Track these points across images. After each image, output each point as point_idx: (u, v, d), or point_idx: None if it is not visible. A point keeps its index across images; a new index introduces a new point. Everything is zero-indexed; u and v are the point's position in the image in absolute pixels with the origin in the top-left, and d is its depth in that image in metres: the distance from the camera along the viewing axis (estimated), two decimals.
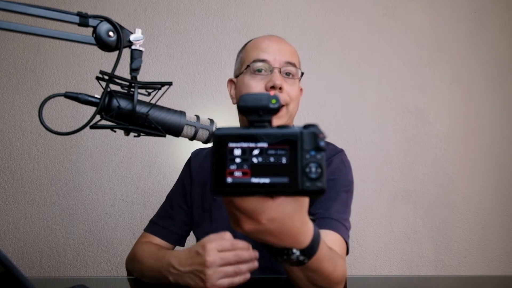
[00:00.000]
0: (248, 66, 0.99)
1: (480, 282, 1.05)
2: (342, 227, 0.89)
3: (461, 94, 1.95)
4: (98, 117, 0.64)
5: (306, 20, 1.93)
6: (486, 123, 1.94)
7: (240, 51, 1.08)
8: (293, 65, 0.99)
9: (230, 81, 1.10)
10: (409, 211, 1.88)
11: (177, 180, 1.15)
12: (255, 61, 0.98)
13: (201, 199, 1.07)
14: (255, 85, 0.97)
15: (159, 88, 0.67)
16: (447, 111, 1.94)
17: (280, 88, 0.95)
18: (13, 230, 1.79)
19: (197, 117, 0.69)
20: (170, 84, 0.66)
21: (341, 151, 1.06)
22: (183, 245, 1.08)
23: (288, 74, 0.99)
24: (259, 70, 0.98)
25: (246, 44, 1.08)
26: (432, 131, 1.93)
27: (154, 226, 1.08)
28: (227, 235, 0.75)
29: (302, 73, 1.03)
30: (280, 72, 0.97)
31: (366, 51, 1.93)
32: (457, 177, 1.91)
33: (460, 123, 1.94)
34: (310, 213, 0.86)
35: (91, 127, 0.63)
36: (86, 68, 1.85)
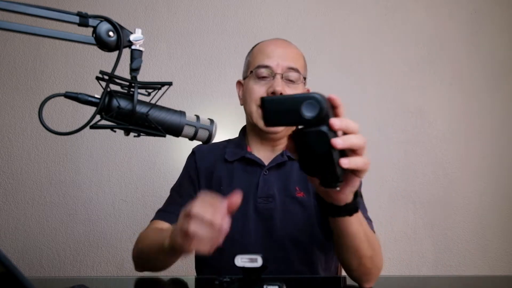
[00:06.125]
0: (252, 71, 1.05)
1: (480, 282, 1.05)
2: (368, 221, 0.95)
3: (461, 94, 1.95)
4: (98, 117, 0.64)
5: (306, 20, 1.93)
6: (486, 123, 1.94)
7: (248, 54, 1.13)
8: (296, 70, 1.04)
9: (239, 82, 1.15)
10: (409, 211, 1.88)
11: (182, 173, 1.16)
12: (258, 66, 1.03)
13: (207, 188, 1.08)
14: (258, 90, 1.03)
15: (159, 88, 0.67)
16: (447, 111, 1.94)
17: (281, 94, 1.00)
18: (13, 230, 1.79)
19: (197, 117, 0.69)
20: (170, 84, 0.66)
21: None
22: None
23: (291, 80, 1.04)
24: (263, 76, 1.03)
25: (253, 48, 1.12)
26: (432, 131, 1.93)
27: (164, 213, 1.07)
28: (214, 200, 0.70)
29: (305, 78, 1.07)
30: (282, 77, 1.02)
31: (366, 51, 1.93)
32: (457, 177, 1.91)
33: (460, 123, 1.94)
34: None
35: (91, 127, 0.63)
36: (86, 68, 1.85)
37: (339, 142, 0.56)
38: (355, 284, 0.87)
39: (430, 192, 1.90)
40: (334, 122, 0.57)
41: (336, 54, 1.92)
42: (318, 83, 1.88)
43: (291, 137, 0.60)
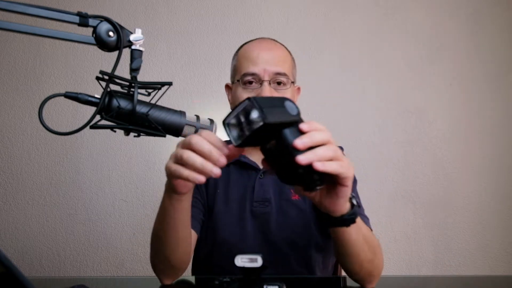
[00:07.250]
0: (239, 80, 1.03)
1: (480, 282, 1.05)
2: (364, 219, 0.97)
3: (461, 94, 1.95)
4: (98, 117, 0.64)
5: (306, 20, 1.93)
6: (486, 123, 1.94)
7: (234, 57, 1.11)
8: (283, 74, 1.02)
9: (227, 86, 1.14)
10: (409, 211, 1.88)
11: None
12: (245, 74, 1.02)
13: (204, 192, 1.07)
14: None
15: (159, 88, 0.67)
16: (447, 111, 1.94)
17: None
18: (13, 230, 1.79)
19: (197, 117, 0.69)
20: (170, 84, 0.66)
21: (341, 148, 1.10)
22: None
23: (279, 83, 1.02)
24: (250, 82, 1.02)
25: (239, 50, 1.10)
26: (432, 131, 1.93)
27: None
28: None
29: (293, 82, 1.06)
30: (270, 83, 1.01)
31: (366, 51, 1.93)
32: (457, 177, 1.91)
33: (460, 123, 1.94)
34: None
35: (91, 127, 0.63)
36: (86, 68, 1.85)
37: (298, 142, 0.56)
38: (356, 284, 0.87)
39: (430, 192, 1.90)
40: (302, 126, 0.58)
41: (336, 54, 1.92)
42: (318, 83, 1.89)
43: (263, 152, 0.61)
